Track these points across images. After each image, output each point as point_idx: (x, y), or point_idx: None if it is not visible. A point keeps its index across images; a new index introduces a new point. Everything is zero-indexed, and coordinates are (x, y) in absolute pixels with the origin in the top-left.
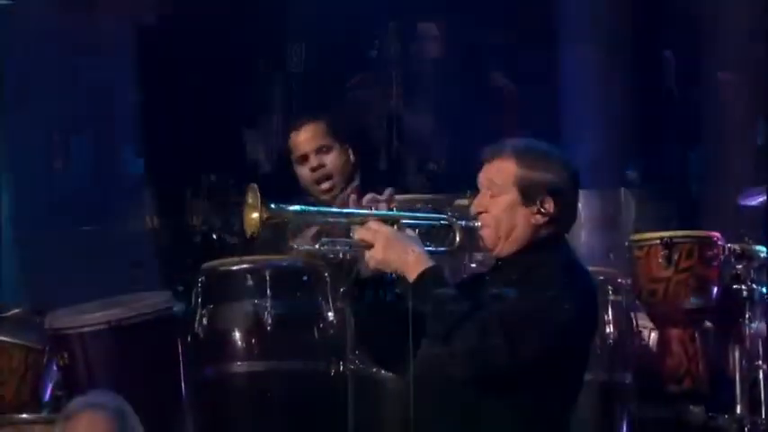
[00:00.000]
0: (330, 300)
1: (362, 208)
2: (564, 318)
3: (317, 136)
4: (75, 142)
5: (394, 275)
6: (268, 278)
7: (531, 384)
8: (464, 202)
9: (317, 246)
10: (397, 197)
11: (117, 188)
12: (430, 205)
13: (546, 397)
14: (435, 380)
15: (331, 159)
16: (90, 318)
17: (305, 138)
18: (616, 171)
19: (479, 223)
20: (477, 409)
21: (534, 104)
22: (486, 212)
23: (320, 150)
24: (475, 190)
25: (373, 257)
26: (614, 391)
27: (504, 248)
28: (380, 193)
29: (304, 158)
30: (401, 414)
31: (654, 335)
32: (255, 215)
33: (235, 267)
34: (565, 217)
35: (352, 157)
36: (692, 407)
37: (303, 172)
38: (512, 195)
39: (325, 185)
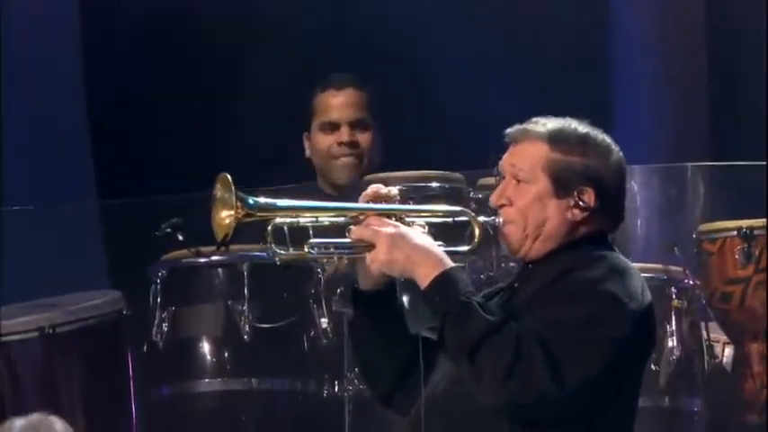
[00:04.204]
0: (323, 302)
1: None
2: (612, 335)
3: (358, 106)
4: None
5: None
6: (246, 274)
7: (576, 417)
8: (491, 181)
9: (305, 249)
10: (407, 173)
11: (56, 159)
12: (447, 185)
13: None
14: (457, 407)
15: (366, 140)
16: (17, 323)
17: (343, 102)
18: (681, 143)
19: (501, 219)
20: None
21: (581, 61)
22: (509, 205)
23: (358, 124)
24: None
25: (376, 259)
26: (678, 420)
27: (533, 250)
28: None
29: (334, 127)
30: None
31: (729, 351)
32: (228, 213)
33: (203, 260)
34: (608, 212)
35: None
36: None
37: (325, 142)
38: (542, 184)
39: (350, 161)
